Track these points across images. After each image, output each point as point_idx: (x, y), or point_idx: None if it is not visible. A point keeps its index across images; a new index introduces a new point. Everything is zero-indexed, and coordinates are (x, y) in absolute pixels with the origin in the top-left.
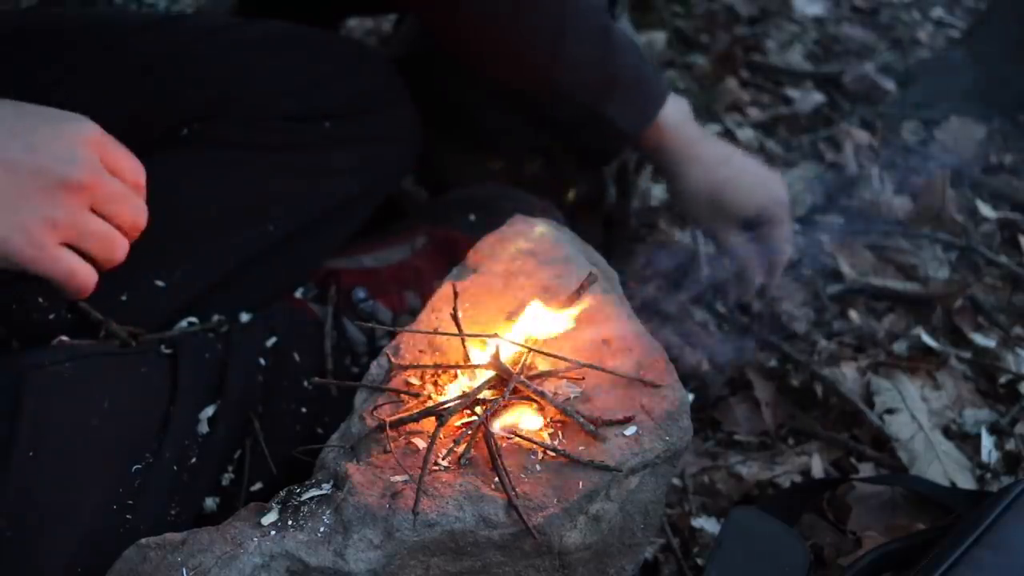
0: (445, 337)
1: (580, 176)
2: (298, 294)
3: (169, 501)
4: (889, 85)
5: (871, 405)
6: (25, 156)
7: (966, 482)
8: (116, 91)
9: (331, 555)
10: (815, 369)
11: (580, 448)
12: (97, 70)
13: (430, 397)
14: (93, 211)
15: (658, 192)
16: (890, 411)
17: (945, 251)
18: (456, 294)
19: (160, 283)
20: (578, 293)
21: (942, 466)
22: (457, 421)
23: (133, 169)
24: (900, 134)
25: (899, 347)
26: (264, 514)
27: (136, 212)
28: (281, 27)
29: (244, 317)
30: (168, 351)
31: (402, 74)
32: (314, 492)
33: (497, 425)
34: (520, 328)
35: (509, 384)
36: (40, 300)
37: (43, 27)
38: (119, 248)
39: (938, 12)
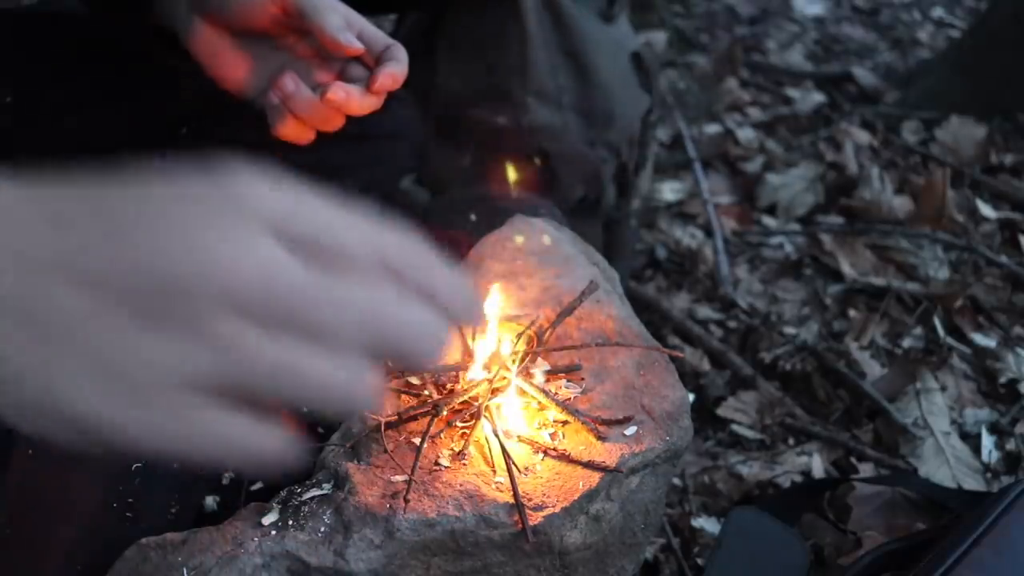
0: None
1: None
2: None
3: (169, 499)
4: (889, 85)
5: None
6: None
7: (975, 485)
8: (116, 90)
9: (332, 555)
10: (836, 366)
11: (580, 448)
12: (97, 69)
13: (430, 397)
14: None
15: (658, 192)
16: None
17: (945, 251)
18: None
19: None
20: (579, 301)
21: (951, 469)
22: (458, 421)
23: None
24: (900, 134)
25: (900, 347)
26: (265, 514)
27: (372, 305)
28: None
29: None
30: None
31: None
32: (315, 492)
33: (498, 424)
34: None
35: (510, 384)
36: None
37: (44, 25)
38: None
39: (938, 12)
